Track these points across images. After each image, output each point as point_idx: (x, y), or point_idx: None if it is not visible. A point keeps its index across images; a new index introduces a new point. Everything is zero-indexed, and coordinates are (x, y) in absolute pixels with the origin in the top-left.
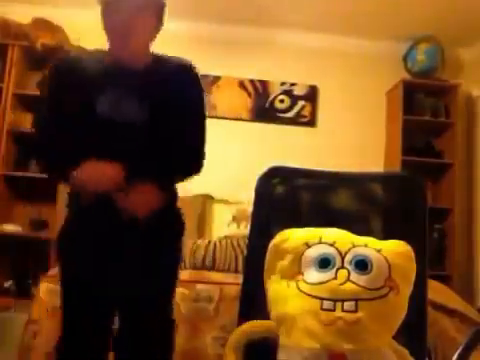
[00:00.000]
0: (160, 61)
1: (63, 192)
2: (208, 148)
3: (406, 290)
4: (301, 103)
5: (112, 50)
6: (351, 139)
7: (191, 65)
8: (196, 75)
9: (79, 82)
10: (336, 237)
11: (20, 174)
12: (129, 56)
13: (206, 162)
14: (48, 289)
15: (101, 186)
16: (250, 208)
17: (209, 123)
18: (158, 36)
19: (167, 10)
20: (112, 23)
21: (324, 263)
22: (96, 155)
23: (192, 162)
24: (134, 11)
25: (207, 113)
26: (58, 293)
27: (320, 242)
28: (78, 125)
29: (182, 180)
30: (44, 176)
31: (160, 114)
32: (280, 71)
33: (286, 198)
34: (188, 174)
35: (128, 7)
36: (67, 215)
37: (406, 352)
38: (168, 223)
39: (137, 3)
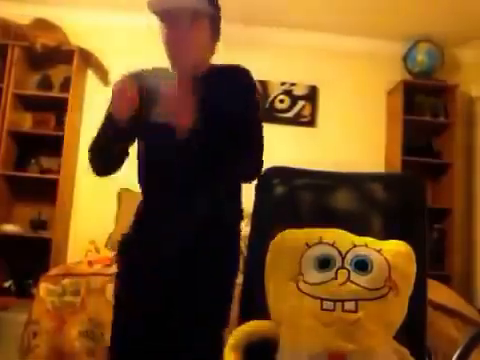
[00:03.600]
0: (216, 70)
1: (63, 192)
2: None
3: (406, 290)
4: (301, 103)
5: (171, 63)
6: (351, 139)
7: (246, 71)
8: (251, 80)
9: (145, 97)
10: (336, 237)
11: (20, 174)
12: (185, 68)
13: None
14: (48, 289)
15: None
16: (250, 208)
17: None
18: (157, 35)
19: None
20: (168, 37)
21: (324, 263)
22: (157, 166)
23: (251, 167)
24: (188, 24)
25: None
26: (58, 293)
27: (320, 242)
28: (140, 138)
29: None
30: (44, 176)
31: (215, 120)
32: (280, 71)
33: (286, 198)
34: (247, 178)
35: (183, 20)
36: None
37: (406, 352)
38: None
39: (191, 15)
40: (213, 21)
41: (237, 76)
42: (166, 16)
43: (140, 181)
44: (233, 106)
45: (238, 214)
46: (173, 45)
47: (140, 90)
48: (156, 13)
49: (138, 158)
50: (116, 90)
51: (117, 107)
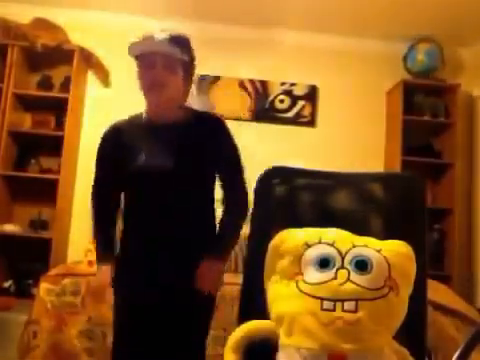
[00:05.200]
0: (194, 115)
1: (63, 192)
2: None
3: (406, 290)
4: (301, 103)
5: (148, 104)
6: (351, 139)
7: (219, 119)
8: (225, 130)
9: (122, 144)
10: (336, 237)
11: (20, 174)
12: (160, 108)
13: None
14: (48, 289)
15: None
16: (250, 208)
17: None
18: None
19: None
20: (145, 78)
21: (324, 263)
22: (142, 207)
23: (244, 211)
24: (164, 67)
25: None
26: (58, 293)
27: (320, 242)
28: (125, 181)
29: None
30: (44, 176)
31: (191, 163)
32: (280, 71)
33: (286, 198)
34: (241, 224)
35: (159, 64)
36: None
37: (406, 352)
38: None
39: (167, 61)
40: (186, 68)
41: (215, 127)
42: (143, 60)
43: (127, 209)
44: (213, 154)
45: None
46: (148, 86)
47: (120, 144)
48: (135, 57)
49: (126, 200)
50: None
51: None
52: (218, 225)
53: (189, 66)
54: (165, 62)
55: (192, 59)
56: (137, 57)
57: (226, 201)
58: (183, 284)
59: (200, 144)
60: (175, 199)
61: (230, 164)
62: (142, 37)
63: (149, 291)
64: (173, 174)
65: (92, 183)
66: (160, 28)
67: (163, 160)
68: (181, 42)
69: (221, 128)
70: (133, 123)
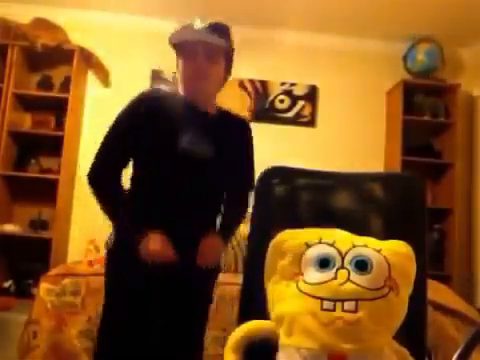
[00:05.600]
0: (224, 111)
1: (63, 192)
2: None
3: (406, 290)
4: (301, 103)
5: (187, 93)
6: (351, 139)
7: (248, 123)
8: (251, 132)
9: (162, 117)
10: (336, 237)
11: (20, 174)
12: (199, 99)
13: None
14: (48, 289)
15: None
16: (250, 208)
17: None
18: (161, 37)
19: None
20: (187, 68)
21: (324, 263)
22: (168, 187)
23: (246, 205)
24: (207, 58)
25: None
26: (58, 293)
27: (320, 242)
28: (155, 157)
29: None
30: (44, 176)
31: (222, 156)
32: (280, 71)
33: (286, 198)
34: (244, 216)
35: (202, 53)
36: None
37: (406, 352)
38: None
39: (210, 50)
40: (228, 57)
41: (243, 125)
42: (185, 49)
43: (142, 192)
44: (237, 151)
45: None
46: (191, 78)
47: (158, 109)
48: (176, 45)
49: (143, 176)
50: (154, 251)
51: (152, 258)
52: (224, 208)
53: (230, 54)
54: (207, 51)
55: (232, 47)
56: (176, 46)
57: (234, 194)
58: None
59: (229, 138)
60: (199, 185)
61: (247, 162)
62: (181, 26)
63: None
64: (207, 162)
65: (101, 149)
66: (198, 17)
67: (204, 147)
68: (222, 30)
69: (249, 128)
70: (171, 100)
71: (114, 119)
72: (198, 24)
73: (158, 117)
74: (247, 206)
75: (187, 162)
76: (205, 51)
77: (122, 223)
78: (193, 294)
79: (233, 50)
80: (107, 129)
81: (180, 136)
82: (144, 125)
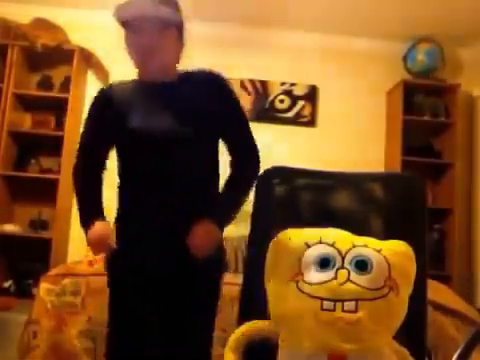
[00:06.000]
0: (187, 76)
1: (63, 192)
2: None
3: (406, 290)
4: (301, 103)
5: (137, 69)
6: (351, 139)
7: (219, 74)
8: (227, 85)
9: (114, 107)
10: (336, 237)
11: (20, 174)
12: (153, 74)
13: None
14: (48, 289)
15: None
16: (250, 208)
17: None
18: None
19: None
20: (135, 44)
21: (324, 263)
22: (139, 176)
23: (256, 163)
24: (155, 31)
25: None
26: (58, 293)
27: (320, 242)
28: (121, 148)
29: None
30: (44, 176)
31: (192, 123)
32: (280, 71)
33: (286, 198)
34: (255, 178)
35: (150, 27)
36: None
37: (406, 352)
38: (216, 260)
39: (158, 23)
40: (179, 29)
41: (214, 82)
42: (133, 24)
43: (124, 186)
44: (216, 114)
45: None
46: (140, 52)
47: (114, 104)
48: (123, 22)
49: (121, 167)
50: (93, 240)
51: (95, 250)
52: (226, 182)
53: (181, 26)
54: (156, 25)
55: (181, 18)
56: (123, 22)
57: (235, 159)
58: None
59: (201, 101)
60: (176, 165)
61: (236, 120)
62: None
63: (153, 260)
64: (173, 135)
65: (78, 149)
66: None
67: (161, 120)
68: (169, 1)
69: (222, 83)
70: (126, 85)
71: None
72: None
73: (116, 106)
74: (252, 178)
75: (146, 144)
76: (153, 25)
77: (82, 211)
78: (191, 290)
79: (183, 21)
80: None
81: (139, 117)
82: (106, 120)
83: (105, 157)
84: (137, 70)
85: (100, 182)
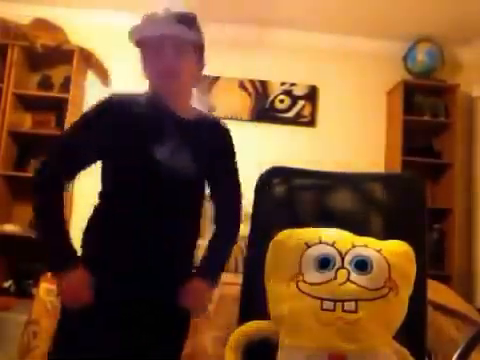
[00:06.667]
0: (200, 116)
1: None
2: None
3: (406, 290)
4: (301, 103)
5: (158, 96)
6: (351, 139)
7: (228, 129)
8: (232, 139)
9: (133, 125)
10: (336, 237)
11: (20, 174)
12: (176, 102)
13: None
14: (48, 289)
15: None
16: (250, 208)
17: None
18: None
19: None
20: (155, 65)
21: (324, 263)
22: (139, 206)
23: (238, 228)
24: (177, 52)
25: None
26: (58, 293)
27: (320, 242)
28: (126, 172)
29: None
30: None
31: (201, 171)
32: (280, 71)
33: (286, 198)
34: (235, 241)
35: (171, 48)
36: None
37: (406, 352)
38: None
39: (176, 42)
40: (199, 49)
41: (224, 131)
42: (151, 44)
43: (109, 196)
44: (222, 162)
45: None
46: (159, 72)
47: (127, 116)
48: (140, 41)
49: (113, 178)
50: (69, 293)
51: (69, 303)
52: (211, 241)
53: (201, 47)
54: (176, 46)
55: (202, 39)
56: (140, 42)
57: (221, 216)
58: (165, 296)
59: (208, 148)
60: (175, 202)
61: (232, 175)
62: (144, 19)
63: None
64: (188, 179)
65: (51, 152)
66: (162, 7)
67: (185, 161)
68: (189, 21)
69: (230, 135)
70: (140, 100)
71: (78, 120)
72: (164, 16)
73: (128, 125)
74: (237, 228)
75: (164, 179)
76: (173, 46)
77: (53, 249)
78: (162, 332)
79: (203, 42)
80: (68, 129)
81: (155, 148)
82: (112, 133)
83: (79, 172)
84: (154, 89)
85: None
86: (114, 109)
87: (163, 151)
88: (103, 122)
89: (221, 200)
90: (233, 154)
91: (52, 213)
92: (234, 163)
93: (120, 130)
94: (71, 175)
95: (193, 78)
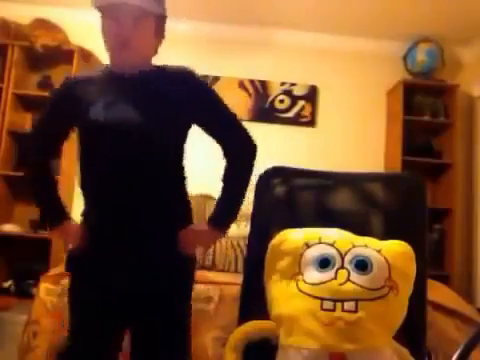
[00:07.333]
0: (161, 70)
1: (63, 192)
2: (207, 148)
3: (406, 290)
4: (301, 103)
5: (112, 64)
6: (351, 139)
7: (189, 69)
8: (196, 76)
9: (77, 97)
10: (336, 237)
11: (20, 174)
12: (125, 65)
13: (206, 162)
14: (48, 289)
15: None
16: (250, 208)
17: None
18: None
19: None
20: (111, 32)
21: (324, 263)
22: (101, 172)
23: (252, 156)
24: (133, 20)
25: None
26: (58, 293)
27: (320, 242)
28: (82, 140)
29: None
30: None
31: (160, 117)
32: (280, 71)
33: (286, 198)
34: (250, 174)
35: (127, 16)
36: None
37: (407, 352)
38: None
39: (136, 13)
40: (158, 20)
41: (182, 78)
42: (111, 11)
43: (87, 186)
44: (182, 104)
45: (186, 210)
46: (115, 40)
47: (76, 95)
48: (101, 8)
49: (82, 159)
50: (61, 238)
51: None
52: (223, 180)
53: (162, 19)
54: (135, 15)
55: (164, 8)
56: (100, 8)
57: (226, 149)
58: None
59: (172, 96)
60: (139, 162)
61: (213, 107)
62: None
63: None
64: (138, 130)
65: (31, 135)
66: None
67: (125, 112)
68: None
69: (192, 77)
70: (95, 74)
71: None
72: None
73: (78, 97)
74: (250, 152)
75: (107, 134)
76: (132, 15)
77: (43, 209)
78: (158, 293)
79: (165, 14)
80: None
81: (94, 106)
82: (69, 108)
83: (58, 147)
84: (109, 58)
85: (53, 173)
86: (67, 88)
87: (98, 107)
88: (58, 101)
89: (219, 134)
90: (206, 91)
91: (39, 180)
92: (214, 98)
93: (75, 104)
94: (50, 148)
95: (150, 50)
